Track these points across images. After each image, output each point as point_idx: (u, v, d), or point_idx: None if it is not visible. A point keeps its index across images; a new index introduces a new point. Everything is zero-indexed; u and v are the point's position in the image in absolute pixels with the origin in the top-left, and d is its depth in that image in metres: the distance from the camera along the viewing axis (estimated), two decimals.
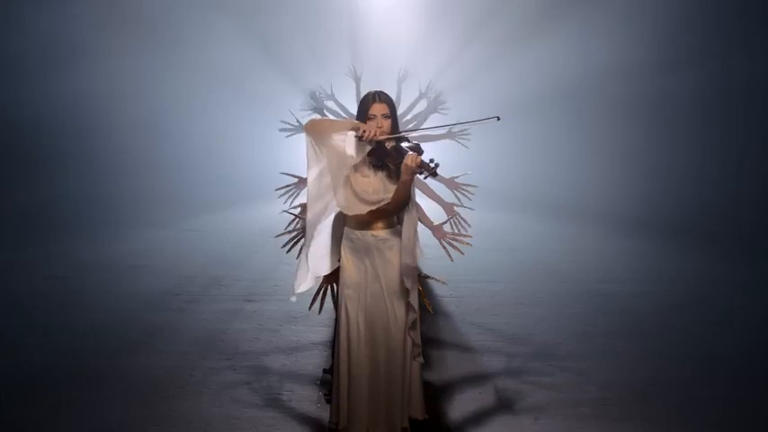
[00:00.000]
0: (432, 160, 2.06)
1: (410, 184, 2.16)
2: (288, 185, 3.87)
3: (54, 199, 9.31)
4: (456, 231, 3.64)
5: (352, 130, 2.16)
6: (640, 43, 10.13)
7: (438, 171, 2.07)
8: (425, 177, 2.09)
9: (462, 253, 3.48)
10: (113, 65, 10.42)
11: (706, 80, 9.37)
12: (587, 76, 11.15)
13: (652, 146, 10.33)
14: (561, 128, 12.14)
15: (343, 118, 4.34)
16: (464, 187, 3.89)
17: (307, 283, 2.34)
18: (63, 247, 7.01)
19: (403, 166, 2.09)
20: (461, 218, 3.65)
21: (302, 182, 3.95)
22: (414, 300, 2.26)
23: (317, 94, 4.54)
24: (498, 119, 2.08)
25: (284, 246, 3.98)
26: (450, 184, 4.00)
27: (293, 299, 2.35)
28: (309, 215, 2.26)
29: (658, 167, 10.13)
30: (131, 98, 10.83)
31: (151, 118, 11.48)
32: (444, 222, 3.50)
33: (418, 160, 2.06)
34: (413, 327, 2.30)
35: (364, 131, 2.14)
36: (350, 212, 2.25)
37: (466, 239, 3.73)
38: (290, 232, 3.38)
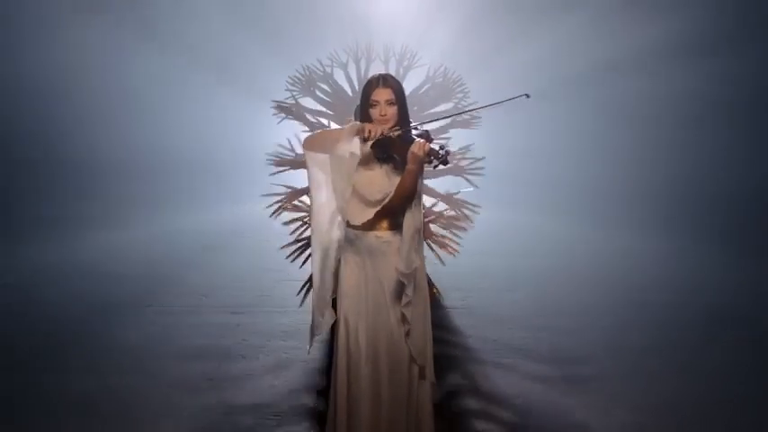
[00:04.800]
0: (442, 147, 2.10)
1: (416, 175, 2.17)
2: (278, 195, 3.97)
3: None
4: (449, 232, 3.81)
5: (357, 134, 2.17)
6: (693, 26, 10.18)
7: (449, 159, 2.12)
8: (435, 167, 2.14)
9: (452, 254, 3.60)
10: (71, 51, 10.44)
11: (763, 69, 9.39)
12: (620, 65, 11.19)
13: (701, 139, 10.31)
14: (592, 117, 12.16)
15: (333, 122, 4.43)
16: (471, 169, 3.99)
17: (325, 321, 2.29)
18: (13, 250, 7.06)
19: (409, 155, 2.13)
20: (464, 205, 3.78)
21: (294, 194, 4.07)
22: (409, 311, 2.25)
23: (310, 73, 4.54)
24: (528, 96, 2.13)
25: (289, 256, 4.12)
26: (455, 169, 4.13)
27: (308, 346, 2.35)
28: (319, 251, 2.24)
29: (707, 160, 10.09)
30: (92, 84, 10.85)
31: (115, 109, 11.51)
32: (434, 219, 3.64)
33: (427, 147, 2.10)
34: (413, 340, 2.30)
35: (369, 131, 2.15)
36: (357, 221, 2.30)
37: (453, 246, 3.95)
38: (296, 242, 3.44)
